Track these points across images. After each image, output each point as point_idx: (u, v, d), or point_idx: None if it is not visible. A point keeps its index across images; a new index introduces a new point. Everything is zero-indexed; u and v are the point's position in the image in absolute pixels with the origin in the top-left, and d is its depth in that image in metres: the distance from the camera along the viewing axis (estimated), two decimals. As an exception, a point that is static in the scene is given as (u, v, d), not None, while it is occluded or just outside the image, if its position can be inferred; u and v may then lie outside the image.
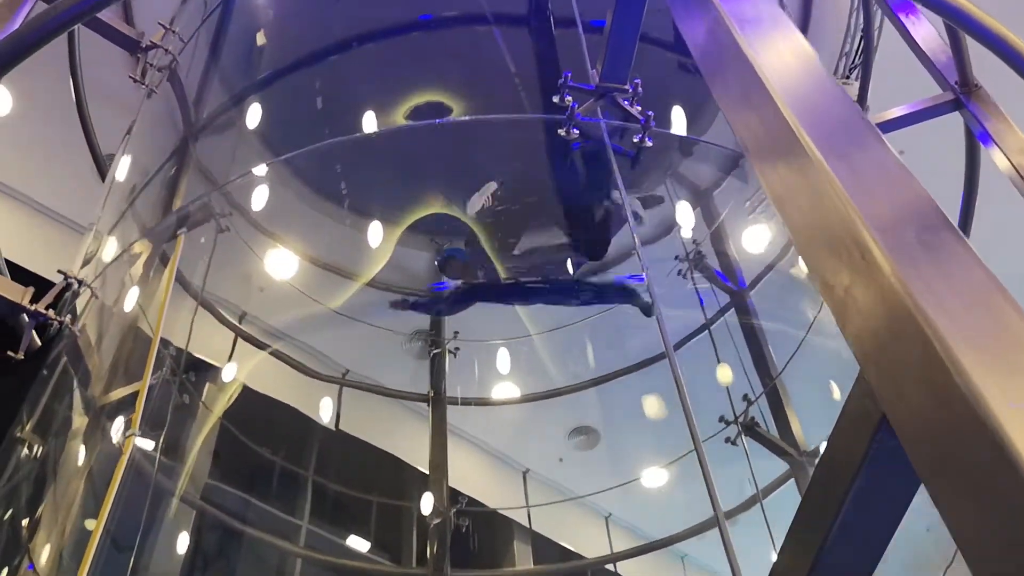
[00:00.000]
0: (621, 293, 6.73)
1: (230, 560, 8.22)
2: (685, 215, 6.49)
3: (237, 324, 8.21)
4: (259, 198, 7.45)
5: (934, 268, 1.43)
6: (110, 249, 5.97)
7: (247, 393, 8.08)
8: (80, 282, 4.11)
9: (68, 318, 3.95)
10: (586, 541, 8.98)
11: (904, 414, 1.38)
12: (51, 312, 3.86)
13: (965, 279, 1.41)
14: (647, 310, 7.02)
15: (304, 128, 6.70)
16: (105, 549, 5.68)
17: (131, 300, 6.13)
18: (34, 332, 4.32)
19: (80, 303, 4.89)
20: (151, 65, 6.34)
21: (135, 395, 4.95)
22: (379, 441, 9.03)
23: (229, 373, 7.65)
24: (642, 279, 5.20)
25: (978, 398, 1.21)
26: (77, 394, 4.75)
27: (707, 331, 6.73)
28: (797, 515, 1.75)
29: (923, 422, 1.33)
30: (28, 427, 4.18)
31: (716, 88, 2.21)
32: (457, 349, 8.17)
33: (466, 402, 7.99)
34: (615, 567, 8.56)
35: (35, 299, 4.08)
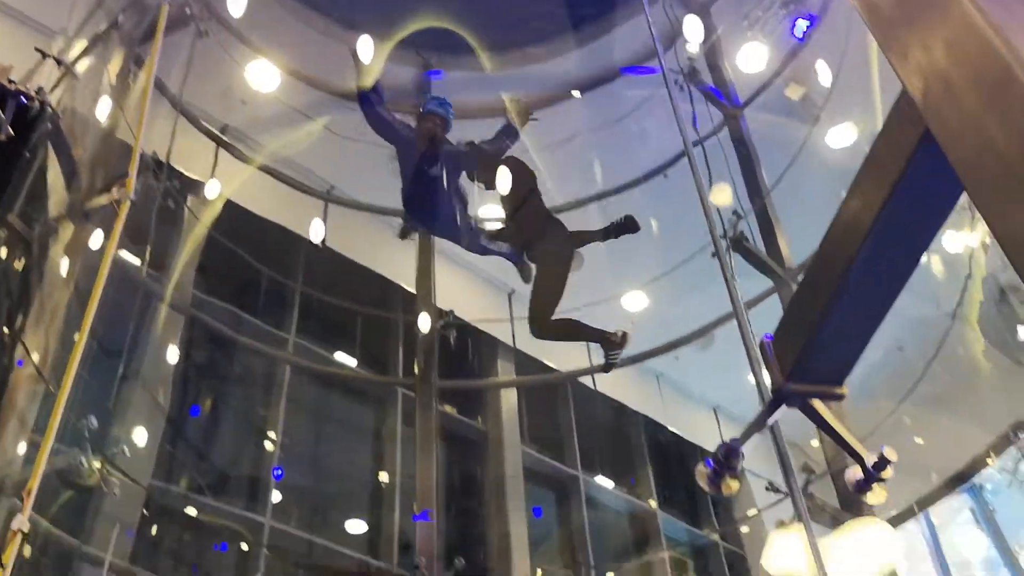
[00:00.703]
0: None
1: (219, 369, 8.37)
2: (690, 27, 6.22)
3: (220, 135, 8.02)
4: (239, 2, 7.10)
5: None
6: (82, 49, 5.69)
7: (231, 207, 7.98)
8: (59, 61, 3.92)
9: (49, 98, 3.79)
10: (567, 359, 9.17)
11: (953, 122, 1.34)
12: (31, 89, 3.70)
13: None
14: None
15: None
16: (93, 351, 5.73)
17: (108, 103, 5.93)
18: (10, 129, 4.17)
19: (55, 96, 4.70)
20: None
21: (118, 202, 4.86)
22: (365, 259, 9.05)
23: (212, 186, 7.51)
24: (656, 70, 5.01)
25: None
26: (61, 184, 4.64)
27: (700, 147, 6.63)
28: (822, 243, 1.74)
29: (975, 129, 1.29)
30: (14, 212, 4.10)
31: None
32: (445, 164, 8.03)
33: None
34: (593, 382, 8.77)
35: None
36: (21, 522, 2.47)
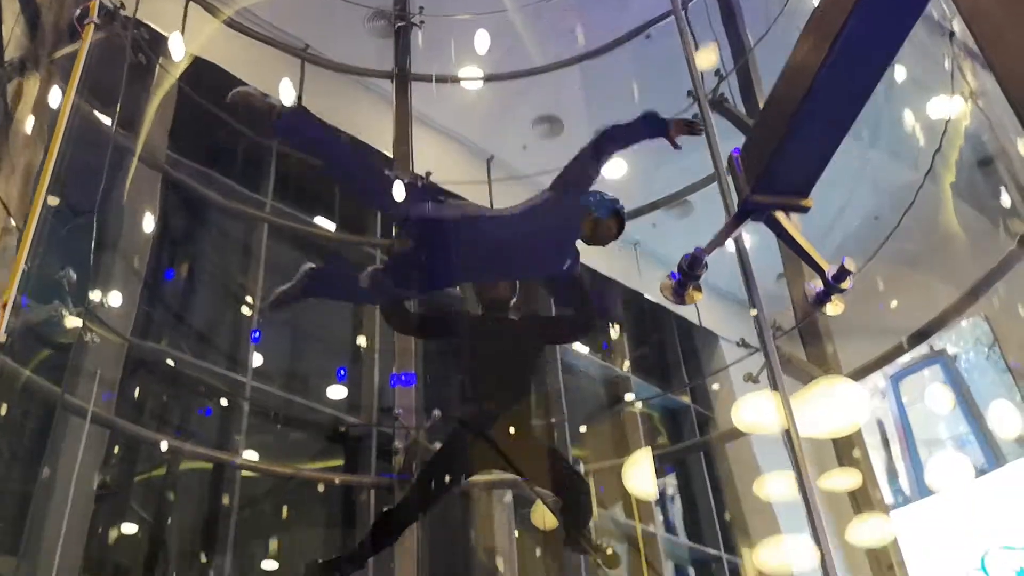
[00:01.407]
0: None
1: (196, 233, 8.32)
2: None
3: (189, -11, 7.72)
4: None
5: None
6: None
7: (206, 67, 7.76)
8: None
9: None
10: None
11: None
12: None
13: None
14: None
15: None
16: (65, 211, 5.66)
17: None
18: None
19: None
20: None
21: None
22: (342, 122, 8.86)
23: (176, 40, 7.23)
24: None
25: None
26: (20, 29, 4.49)
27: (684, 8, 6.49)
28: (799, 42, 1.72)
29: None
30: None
31: None
32: (423, 23, 7.84)
33: (427, 79, 7.75)
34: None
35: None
36: (-2, 334, 2.51)
